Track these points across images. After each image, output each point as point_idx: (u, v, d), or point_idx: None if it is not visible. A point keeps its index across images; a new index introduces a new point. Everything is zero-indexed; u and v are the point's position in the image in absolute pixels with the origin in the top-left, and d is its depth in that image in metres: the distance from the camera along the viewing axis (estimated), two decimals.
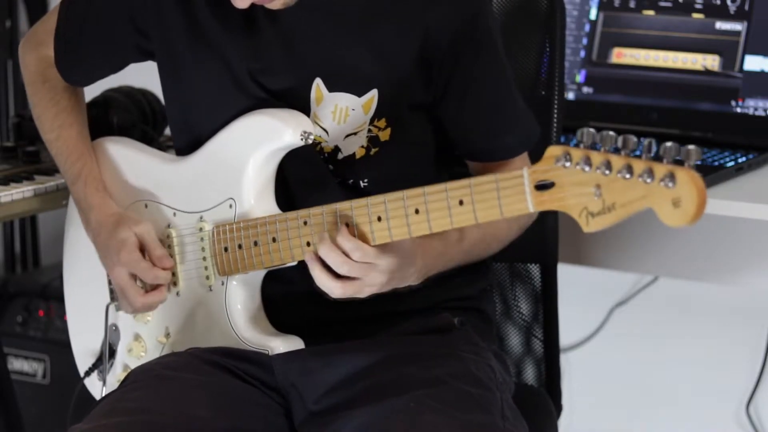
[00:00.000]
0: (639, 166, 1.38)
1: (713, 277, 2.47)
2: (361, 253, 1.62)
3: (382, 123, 1.79)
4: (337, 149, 1.80)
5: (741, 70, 2.29)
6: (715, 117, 2.31)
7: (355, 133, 1.79)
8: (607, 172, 1.40)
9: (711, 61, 2.32)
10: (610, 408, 2.84)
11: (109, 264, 1.87)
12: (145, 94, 2.37)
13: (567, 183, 1.44)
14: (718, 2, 2.32)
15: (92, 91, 2.17)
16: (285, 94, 1.80)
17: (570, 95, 2.42)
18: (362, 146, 1.80)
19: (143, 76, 2.28)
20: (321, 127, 1.79)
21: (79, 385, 2.03)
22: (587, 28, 2.43)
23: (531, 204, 1.49)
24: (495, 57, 1.81)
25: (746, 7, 2.29)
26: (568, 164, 1.44)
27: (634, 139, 1.39)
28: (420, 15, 1.76)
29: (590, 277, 2.71)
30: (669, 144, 1.37)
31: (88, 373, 1.99)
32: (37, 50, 1.99)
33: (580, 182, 1.43)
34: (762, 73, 2.27)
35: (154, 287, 1.84)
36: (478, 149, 1.85)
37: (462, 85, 1.79)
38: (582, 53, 2.43)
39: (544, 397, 2.07)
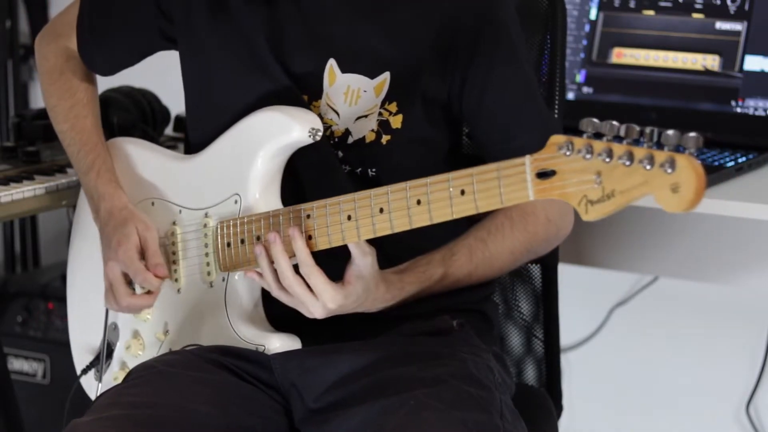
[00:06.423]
0: (640, 153, 1.38)
1: (713, 277, 2.47)
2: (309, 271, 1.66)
3: (393, 107, 1.80)
4: (347, 132, 1.81)
5: (741, 70, 2.29)
6: (714, 117, 2.31)
7: (365, 116, 1.80)
8: (608, 159, 1.40)
9: (711, 61, 2.32)
10: (610, 408, 2.83)
11: (105, 257, 1.88)
12: (145, 94, 2.37)
13: (568, 171, 1.44)
14: (718, 2, 2.32)
15: None
16: (300, 74, 1.81)
17: (570, 95, 2.42)
18: (372, 130, 1.80)
19: (143, 76, 2.28)
20: (332, 108, 1.81)
21: (76, 382, 2.03)
22: (587, 28, 2.43)
23: (531, 192, 1.48)
24: (513, 53, 1.81)
25: (746, 7, 2.29)
26: (569, 152, 1.44)
27: (636, 127, 1.39)
28: (436, 4, 1.78)
29: (590, 277, 2.71)
30: (670, 132, 1.37)
31: (85, 371, 2.00)
32: (56, 42, 2.01)
33: (581, 170, 1.42)
34: (762, 73, 2.27)
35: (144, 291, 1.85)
36: (497, 150, 1.82)
37: (480, 82, 1.79)
38: (582, 53, 2.43)
39: (544, 397, 2.07)
